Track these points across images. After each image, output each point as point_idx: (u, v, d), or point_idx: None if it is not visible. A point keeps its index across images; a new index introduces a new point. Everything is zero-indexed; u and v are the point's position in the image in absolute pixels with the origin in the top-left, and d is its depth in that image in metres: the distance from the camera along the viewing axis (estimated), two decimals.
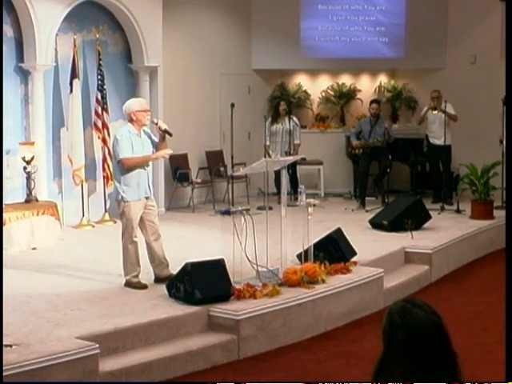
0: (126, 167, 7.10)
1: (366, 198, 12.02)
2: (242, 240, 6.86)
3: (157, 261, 7.35)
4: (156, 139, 7.36)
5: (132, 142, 7.12)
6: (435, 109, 12.02)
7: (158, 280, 7.29)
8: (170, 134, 7.27)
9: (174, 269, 6.84)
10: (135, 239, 7.25)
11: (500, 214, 10.45)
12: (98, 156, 10.79)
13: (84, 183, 10.45)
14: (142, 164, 7.19)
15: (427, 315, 2.38)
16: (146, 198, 7.26)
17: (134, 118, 7.16)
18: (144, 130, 7.30)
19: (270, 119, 12.53)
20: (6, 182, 9.59)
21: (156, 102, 11.44)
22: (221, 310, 6.52)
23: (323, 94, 14.01)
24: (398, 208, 10.15)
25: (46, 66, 10.11)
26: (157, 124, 7.28)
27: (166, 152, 7.32)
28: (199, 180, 12.25)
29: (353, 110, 14.09)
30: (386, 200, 11.62)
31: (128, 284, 7.22)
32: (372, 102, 12.72)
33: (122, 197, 7.15)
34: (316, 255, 7.67)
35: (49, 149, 10.34)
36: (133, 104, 7.30)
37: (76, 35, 10.42)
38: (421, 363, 2.33)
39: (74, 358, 5.38)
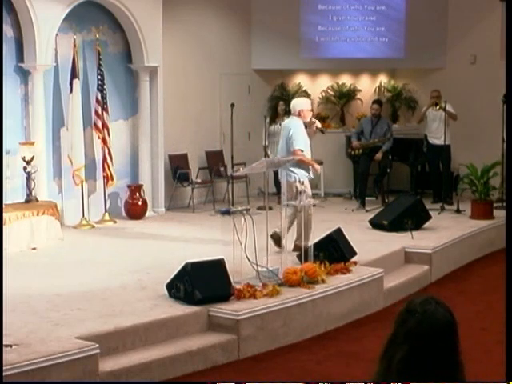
0: (296, 156, 8.32)
1: (366, 198, 12.02)
2: (242, 240, 6.86)
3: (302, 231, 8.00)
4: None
5: (304, 134, 8.50)
6: (436, 104, 12.01)
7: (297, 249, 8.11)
8: (323, 132, 9.29)
9: (174, 269, 6.83)
10: None
11: (500, 214, 10.45)
12: (98, 156, 10.79)
13: (84, 183, 10.45)
14: (304, 162, 8.47)
15: (445, 313, 2.47)
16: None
17: (302, 115, 8.54)
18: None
19: (268, 119, 12.54)
20: (5, 181, 9.59)
21: (156, 102, 11.44)
22: (221, 309, 6.52)
23: (323, 93, 14.02)
24: (397, 208, 10.15)
25: (46, 66, 10.11)
26: (314, 123, 8.72)
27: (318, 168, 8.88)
28: (199, 180, 12.25)
29: (353, 110, 14.09)
30: (386, 200, 11.63)
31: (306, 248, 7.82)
32: (373, 102, 12.74)
33: (300, 178, 8.26)
34: (316, 255, 7.68)
35: (49, 149, 10.34)
36: (303, 103, 8.74)
37: (76, 35, 10.42)
38: (424, 353, 2.40)
39: (74, 357, 5.38)
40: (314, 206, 8.01)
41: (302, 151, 8.44)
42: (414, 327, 2.42)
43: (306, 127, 8.66)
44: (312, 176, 8.65)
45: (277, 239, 8.18)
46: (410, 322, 2.44)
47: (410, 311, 2.46)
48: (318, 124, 8.76)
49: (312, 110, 8.77)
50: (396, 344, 2.43)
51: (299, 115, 8.51)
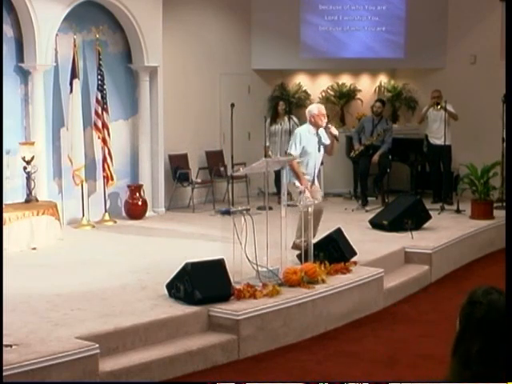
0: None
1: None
2: (242, 240, 6.86)
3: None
4: (326, 142, 8.61)
5: (305, 140, 8.43)
6: (438, 104, 12.02)
7: (297, 247, 8.11)
8: (337, 140, 8.68)
9: (174, 269, 6.83)
10: None
11: (500, 214, 10.45)
12: (98, 156, 10.79)
13: (84, 183, 10.45)
14: (293, 171, 8.34)
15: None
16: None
17: (313, 120, 8.50)
18: (321, 131, 8.55)
19: (268, 120, 12.55)
20: (5, 181, 9.59)
21: (156, 102, 11.44)
22: (221, 309, 6.52)
23: (323, 94, 14.01)
24: (398, 208, 10.15)
25: (46, 66, 10.11)
26: (329, 129, 8.50)
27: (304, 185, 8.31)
28: (199, 180, 12.25)
29: (353, 110, 14.09)
30: (386, 200, 11.62)
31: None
32: (377, 100, 12.81)
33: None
34: (316, 255, 7.68)
35: (49, 149, 10.34)
36: (313, 108, 8.64)
37: (76, 35, 10.42)
38: (499, 341, 2.37)
39: (73, 357, 5.38)
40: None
41: (292, 155, 8.39)
42: (484, 317, 2.39)
43: (319, 138, 8.55)
44: (299, 187, 8.31)
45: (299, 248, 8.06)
46: (476, 313, 2.40)
47: (474, 303, 2.43)
48: (334, 130, 8.54)
49: (325, 115, 8.60)
50: (467, 338, 2.39)
51: (310, 121, 8.57)
